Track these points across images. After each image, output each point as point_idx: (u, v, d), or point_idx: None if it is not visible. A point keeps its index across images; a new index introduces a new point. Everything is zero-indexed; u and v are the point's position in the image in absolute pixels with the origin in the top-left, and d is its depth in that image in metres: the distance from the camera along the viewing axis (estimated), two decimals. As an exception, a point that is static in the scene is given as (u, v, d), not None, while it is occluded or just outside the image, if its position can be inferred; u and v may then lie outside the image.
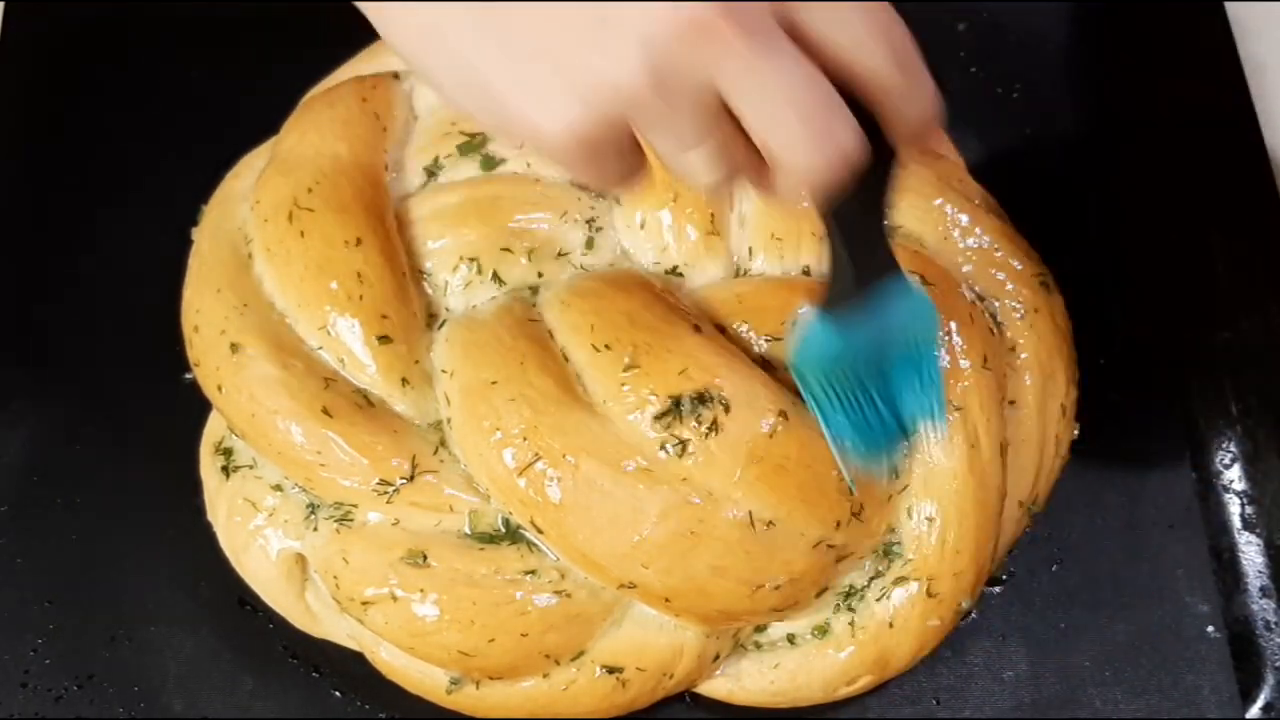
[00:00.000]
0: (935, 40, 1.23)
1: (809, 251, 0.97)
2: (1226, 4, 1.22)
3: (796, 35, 0.56)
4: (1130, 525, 1.04)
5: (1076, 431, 1.04)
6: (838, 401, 0.80)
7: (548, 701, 0.92)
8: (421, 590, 0.88)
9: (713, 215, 0.95)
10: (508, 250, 0.94)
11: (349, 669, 0.97)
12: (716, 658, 0.94)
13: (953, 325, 0.93)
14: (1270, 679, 1.00)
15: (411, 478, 0.90)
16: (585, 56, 0.54)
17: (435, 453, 0.91)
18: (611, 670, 0.91)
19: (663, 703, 0.95)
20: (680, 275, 0.95)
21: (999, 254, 1.00)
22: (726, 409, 0.86)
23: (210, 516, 0.99)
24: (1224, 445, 1.08)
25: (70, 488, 1.04)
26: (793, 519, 0.87)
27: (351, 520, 0.91)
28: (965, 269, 0.99)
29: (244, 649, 0.99)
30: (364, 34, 1.10)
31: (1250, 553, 1.04)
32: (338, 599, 0.92)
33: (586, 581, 0.89)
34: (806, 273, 0.97)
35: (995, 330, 0.97)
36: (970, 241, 1.00)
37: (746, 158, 0.59)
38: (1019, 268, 1.00)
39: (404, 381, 0.91)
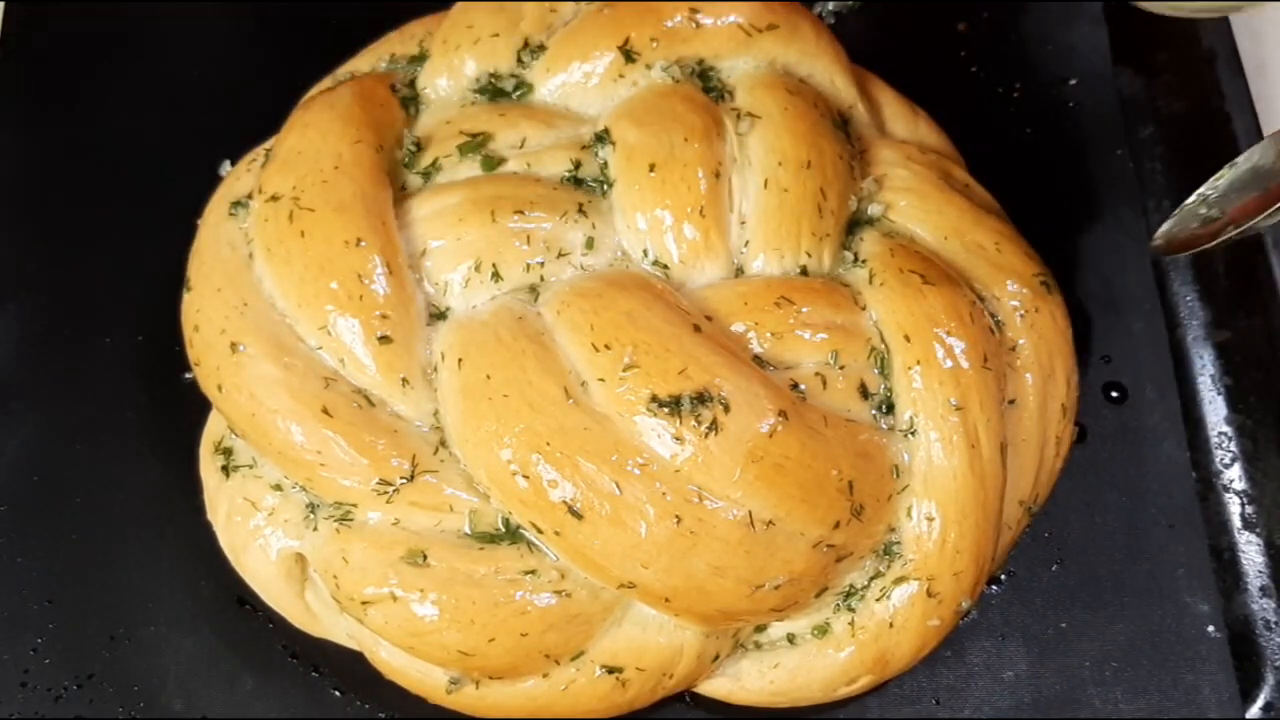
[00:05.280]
0: (935, 40, 1.25)
1: (808, 251, 0.97)
2: (1226, 4, 1.22)
3: None
4: (1130, 525, 1.04)
5: (1076, 431, 1.04)
6: None
7: (547, 701, 0.92)
8: (421, 590, 0.88)
9: (713, 216, 0.96)
10: (507, 250, 0.94)
11: (349, 669, 0.97)
12: (716, 658, 0.94)
13: (951, 326, 0.93)
14: (1270, 679, 1.00)
15: (411, 477, 0.90)
16: None
17: (435, 453, 0.91)
18: (611, 670, 0.91)
19: (663, 703, 0.95)
20: (680, 276, 0.96)
21: (999, 254, 1.00)
22: (726, 409, 0.86)
23: (210, 516, 0.99)
24: (1224, 445, 1.08)
25: (70, 488, 1.04)
26: (792, 519, 0.87)
27: (351, 520, 0.91)
28: (966, 269, 0.99)
29: (244, 649, 0.99)
30: (364, 34, 1.12)
31: (1250, 552, 1.04)
32: (338, 598, 0.92)
33: (586, 581, 0.89)
34: (804, 272, 0.97)
35: (995, 330, 0.97)
36: (971, 241, 1.00)
37: None
38: (1019, 268, 1.00)
39: (404, 381, 0.91)
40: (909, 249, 0.98)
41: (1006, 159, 1.16)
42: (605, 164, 0.98)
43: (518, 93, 1.04)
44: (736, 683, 0.96)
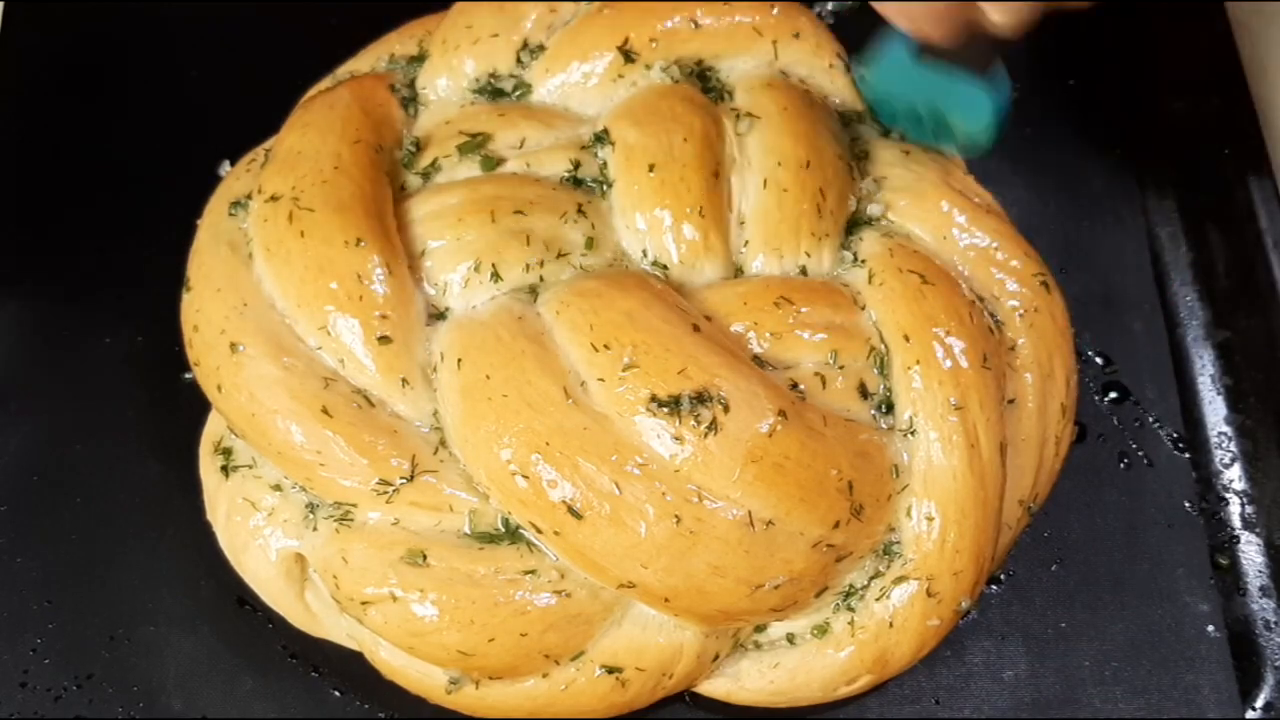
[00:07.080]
0: (935, 40, 1.25)
1: (807, 251, 0.97)
2: (1226, 4, 1.22)
3: None
4: (1130, 525, 1.04)
5: (1076, 431, 1.04)
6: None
7: (547, 701, 0.92)
8: (421, 590, 0.88)
9: (712, 216, 0.96)
10: (507, 250, 0.94)
11: (348, 669, 0.97)
12: (716, 657, 0.94)
13: (951, 325, 0.93)
14: (1270, 679, 1.00)
15: (411, 478, 0.90)
16: None
17: (435, 453, 0.91)
18: (611, 670, 0.91)
19: (663, 703, 0.95)
20: (679, 276, 0.96)
21: (999, 254, 1.00)
22: (725, 408, 0.86)
23: (210, 516, 0.99)
24: (1224, 445, 1.08)
25: (70, 488, 1.04)
26: (792, 518, 0.87)
27: (351, 520, 0.91)
28: (965, 269, 0.99)
29: (244, 649, 0.99)
30: (364, 34, 1.12)
31: (1250, 553, 1.04)
32: (337, 599, 0.92)
33: (586, 581, 0.89)
34: (804, 272, 0.97)
35: (995, 330, 0.97)
36: (970, 241, 1.00)
37: None
38: (1019, 267, 1.00)
39: (404, 382, 0.91)
40: (908, 249, 0.98)
41: (1007, 158, 1.16)
42: (604, 164, 0.98)
43: (517, 93, 1.04)
44: (736, 683, 0.96)
